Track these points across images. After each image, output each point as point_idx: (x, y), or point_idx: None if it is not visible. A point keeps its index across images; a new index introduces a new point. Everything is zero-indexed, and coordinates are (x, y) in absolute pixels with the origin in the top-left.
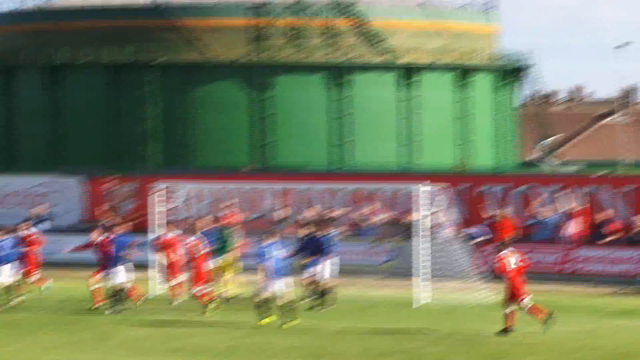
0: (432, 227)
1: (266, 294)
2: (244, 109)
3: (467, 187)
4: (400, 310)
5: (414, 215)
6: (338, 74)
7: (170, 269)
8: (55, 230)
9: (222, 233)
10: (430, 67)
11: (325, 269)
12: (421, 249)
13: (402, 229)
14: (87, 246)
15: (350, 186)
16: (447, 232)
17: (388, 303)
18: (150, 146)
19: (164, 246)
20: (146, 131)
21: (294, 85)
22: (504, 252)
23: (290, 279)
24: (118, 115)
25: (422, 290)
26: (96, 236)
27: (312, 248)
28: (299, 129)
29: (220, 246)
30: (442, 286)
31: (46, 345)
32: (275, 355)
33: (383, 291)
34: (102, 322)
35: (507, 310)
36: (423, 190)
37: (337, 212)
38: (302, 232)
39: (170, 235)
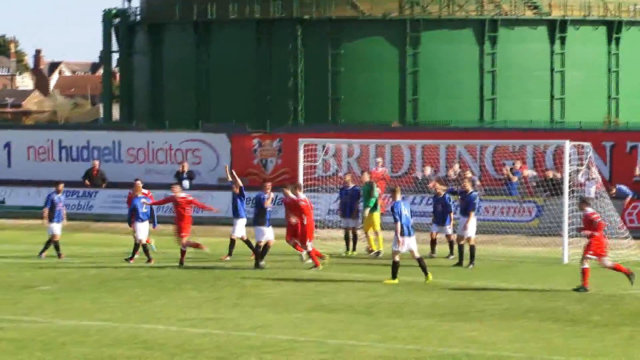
0: (579, 184)
1: (401, 252)
2: (393, 65)
3: (617, 144)
4: (546, 268)
5: (561, 172)
6: (488, 28)
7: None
8: (201, 187)
9: (369, 189)
10: (580, 22)
11: (469, 227)
12: (568, 207)
13: (549, 186)
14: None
15: (497, 142)
16: (595, 189)
17: (534, 260)
18: (297, 102)
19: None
20: (294, 87)
21: (444, 40)
22: None
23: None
24: (266, 71)
25: (568, 248)
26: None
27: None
28: (447, 84)
29: (366, 202)
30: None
31: (191, 301)
32: (417, 312)
33: (529, 248)
34: (244, 279)
35: None
36: (571, 146)
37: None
38: (440, 189)
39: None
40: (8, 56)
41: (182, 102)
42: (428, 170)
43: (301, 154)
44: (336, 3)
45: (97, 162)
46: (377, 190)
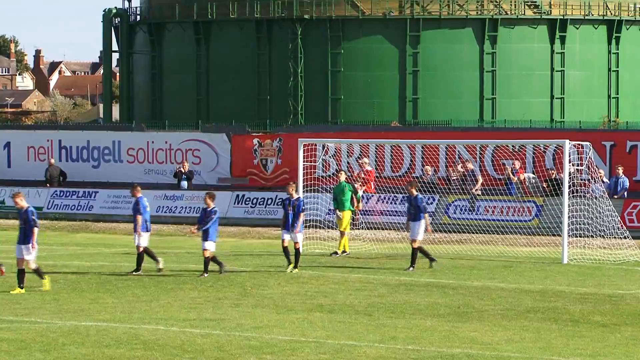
0: (579, 183)
1: None
2: (393, 64)
3: (617, 143)
4: (546, 268)
5: (561, 172)
6: (488, 28)
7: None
8: (201, 187)
9: (346, 188)
10: (580, 21)
11: (420, 230)
12: (568, 206)
13: (549, 186)
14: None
15: (497, 142)
16: (595, 188)
17: (534, 260)
18: (296, 102)
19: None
20: (294, 87)
21: (444, 39)
22: None
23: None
24: (266, 71)
25: (568, 248)
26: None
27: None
28: (447, 84)
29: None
30: (589, 243)
31: (191, 301)
32: (417, 312)
33: (528, 248)
34: (245, 279)
35: None
36: (570, 146)
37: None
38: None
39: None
40: (8, 56)
41: (182, 102)
42: (429, 170)
43: (301, 153)
44: (336, 2)
45: (52, 160)
46: (350, 191)
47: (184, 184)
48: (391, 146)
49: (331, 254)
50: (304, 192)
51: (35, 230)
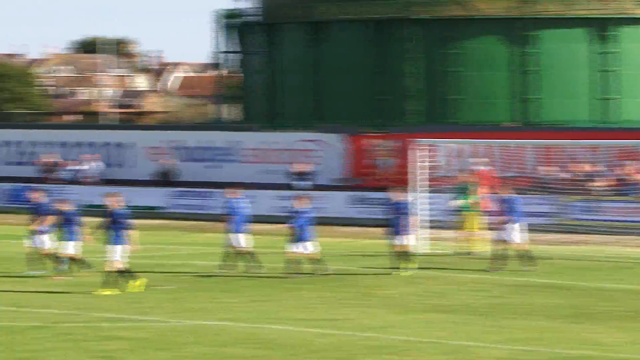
0: None
1: None
2: (505, 64)
3: None
4: None
5: None
6: (602, 27)
7: None
8: (318, 187)
9: (468, 188)
10: None
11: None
12: None
13: None
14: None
15: (614, 142)
16: None
17: None
18: (411, 102)
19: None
20: (407, 87)
21: (557, 39)
22: None
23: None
24: (380, 71)
25: None
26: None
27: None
28: (561, 84)
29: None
30: None
31: (310, 301)
32: (535, 313)
33: None
34: (365, 279)
35: None
36: None
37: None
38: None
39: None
40: (127, 57)
41: (298, 102)
42: (545, 171)
43: (416, 154)
44: (450, 3)
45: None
46: (472, 191)
47: (300, 184)
48: (505, 146)
49: (456, 254)
50: (419, 192)
51: (129, 232)
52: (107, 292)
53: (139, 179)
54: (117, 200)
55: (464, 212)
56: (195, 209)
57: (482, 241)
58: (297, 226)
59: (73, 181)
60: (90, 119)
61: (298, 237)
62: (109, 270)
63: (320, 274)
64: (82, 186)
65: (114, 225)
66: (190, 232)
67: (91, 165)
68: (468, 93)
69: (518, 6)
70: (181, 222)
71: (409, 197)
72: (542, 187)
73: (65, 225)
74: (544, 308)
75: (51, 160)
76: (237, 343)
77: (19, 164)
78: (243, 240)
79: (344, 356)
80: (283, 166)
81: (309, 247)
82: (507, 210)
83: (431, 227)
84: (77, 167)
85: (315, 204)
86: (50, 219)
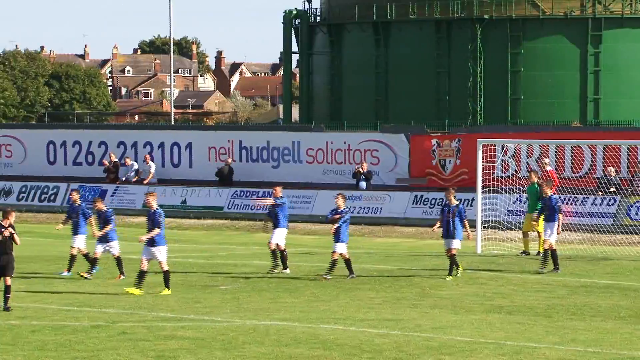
0: None
1: None
2: (573, 64)
3: None
4: None
5: None
6: None
7: None
8: (380, 187)
9: (536, 189)
10: None
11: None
12: None
13: None
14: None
15: None
16: None
17: None
18: (476, 102)
19: None
20: (473, 87)
21: (627, 39)
22: None
23: None
24: (445, 71)
25: None
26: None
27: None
28: (629, 83)
29: (534, 202)
30: None
31: (369, 301)
32: (597, 314)
33: None
34: (425, 279)
35: None
36: None
37: None
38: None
39: None
40: (190, 57)
41: (361, 103)
42: (612, 172)
43: (480, 154)
44: (516, 2)
45: (229, 160)
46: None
47: (363, 184)
48: (571, 147)
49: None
50: (482, 192)
51: (157, 231)
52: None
53: (201, 179)
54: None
55: (529, 213)
56: (255, 209)
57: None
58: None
59: (134, 181)
60: (154, 119)
61: (336, 238)
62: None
63: (350, 277)
64: (141, 186)
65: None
66: (249, 232)
67: (146, 165)
68: (534, 93)
69: (585, 6)
70: (240, 222)
71: (474, 197)
72: (606, 187)
73: (102, 225)
74: (606, 309)
75: (114, 160)
76: (297, 343)
77: (84, 164)
78: (280, 239)
79: (403, 357)
80: (346, 166)
81: (340, 248)
82: (547, 210)
83: (493, 228)
84: (136, 167)
85: (378, 204)
86: (89, 220)
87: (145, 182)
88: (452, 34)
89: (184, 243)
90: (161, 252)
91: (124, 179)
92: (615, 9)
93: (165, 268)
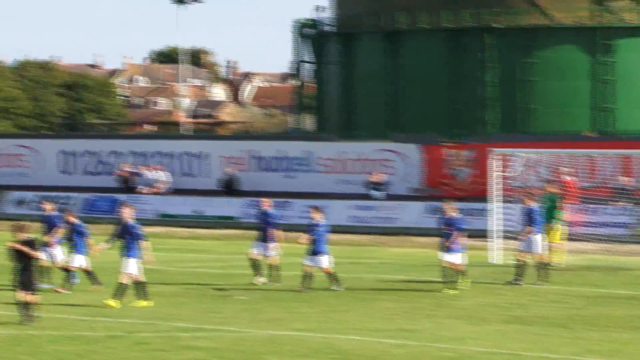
0: None
1: None
2: (584, 73)
3: None
4: None
5: None
6: None
7: None
8: (394, 197)
9: (552, 200)
10: None
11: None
12: None
13: None
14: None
15: None
16: None
17: None
18: (488, 111)
19: None
20: (485, 96)
21: (637, 48)
22: None
23: None
24: (457, 80)
25: None
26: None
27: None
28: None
29: (548, 213)
30: None
31: (386, 311)
32: (615, 325)
33: None
34: (441, 290)
35: None
36: None
37: None
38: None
39: None
40: (202, 67)
41: (374, 112)
42: (627, 181)
43: (493, 163)
44: (527, 11)
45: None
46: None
47: (376, 194)
48: (585, 156)
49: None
50: (496, 202)
51: (141, 243)
52: (112, 304)
53: (215, 188)
54: (129, 212)
55: (547, 224)
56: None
57: (561, 252)
58: (314, 238)
59: (149, 191)
60: (167, 129)
61: (313, 251)
62: (121, 282)
63: (334, 289)
64: (157, 196)
65: (127, 237)
66: None
67: (160, 175)
68: (546, 102)
69: (595, 15)
70: (254, 232)
71: (488, 206)
72: (621, 197)
73: (73, 237)
74: (623, 320)
75: (128, 170)
76: (313, 353)
77: (98, 173)
78: (272, 251)
79: None
80: (359, 176)
81: (322, 262)
82: (530, 221)
83: (508, 238)
84: (150, 177)
85: (391, 214)
86: (60, 231)
87: (158, 190)
88: (463, 43)
89: (200, 253)
90: (129, 264)
91: (143, 188)
92: (626, 17)
93: (125, 280)
